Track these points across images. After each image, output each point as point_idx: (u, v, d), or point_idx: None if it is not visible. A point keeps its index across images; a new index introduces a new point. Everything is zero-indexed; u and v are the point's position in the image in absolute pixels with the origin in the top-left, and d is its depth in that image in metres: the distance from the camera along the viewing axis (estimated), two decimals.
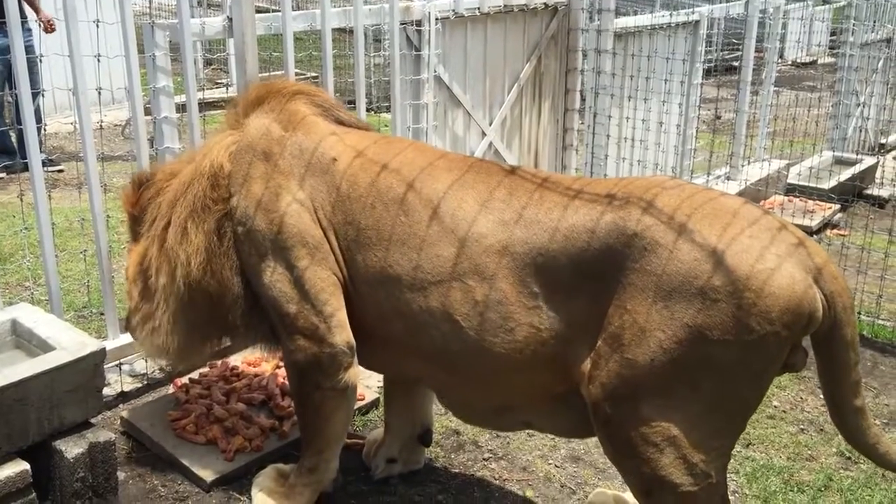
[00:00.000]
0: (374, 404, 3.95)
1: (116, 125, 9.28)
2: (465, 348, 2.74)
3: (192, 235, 3.05)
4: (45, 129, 7.80)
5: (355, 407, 3.80)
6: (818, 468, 3.69)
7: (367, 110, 4.98)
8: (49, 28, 7.18)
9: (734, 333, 2.39)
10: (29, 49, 6.52)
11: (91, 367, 3.17)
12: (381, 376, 3.75)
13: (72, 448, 3.09)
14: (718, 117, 9.98)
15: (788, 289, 2.38)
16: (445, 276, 2.73)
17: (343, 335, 2.95)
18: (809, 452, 3.82)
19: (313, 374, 2.99)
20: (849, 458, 3.74)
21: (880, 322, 5.14)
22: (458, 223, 2.75)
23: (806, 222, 6.83)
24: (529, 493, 3.43)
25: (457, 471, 3.56)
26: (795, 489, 3.53)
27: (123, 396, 3.96)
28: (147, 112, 3.95)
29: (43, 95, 4.21)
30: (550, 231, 2.62)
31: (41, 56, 4.06)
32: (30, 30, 7.12)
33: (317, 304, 2.92)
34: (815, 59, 16.60)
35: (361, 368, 3.32)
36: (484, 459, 3.65)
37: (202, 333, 3.29)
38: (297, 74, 4.92)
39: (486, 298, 2.68)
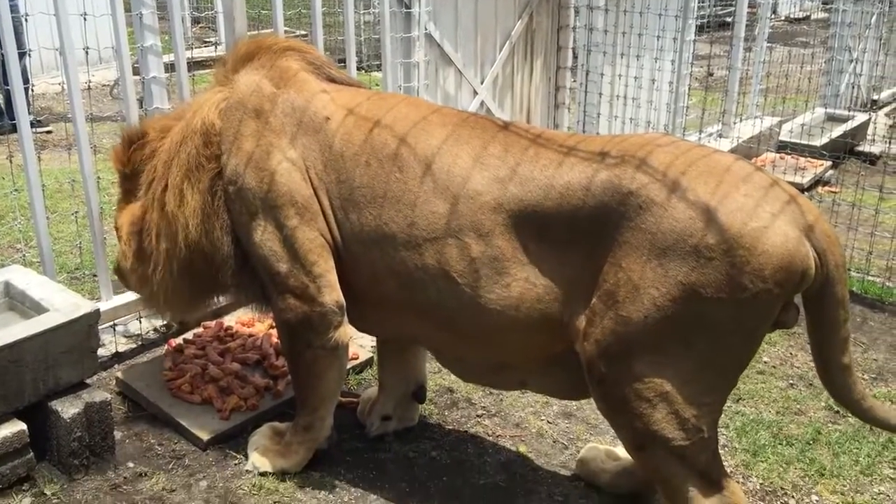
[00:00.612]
0: (368, 363, 3.98)
1: (104, 85, 9.19)
2: (462, 305, 2.76)
3: (189, 197, 3.04)
4: (32, 90, 7.72)
5: (349, 366, 3.84)
6: (807, 422, 3.74)
7: (358, 69, 4.94)
8: None
9: (727, 291, 2.40)
10: (13, 9, 6.42)
11: (85, 329, 3.18)
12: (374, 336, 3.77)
13: (68, 408, 3.11)
14: (711, 74, 9.94)
15: (781, 246, 2.39)
16: (441, 233, 2.74)
17: (332, 295, 2.95)
18: (798, 407, 3.87)
19: (304, 333, 3.01)
20: (837, 412, 3.80)
21: (870, 278, 5.18)
22: (453, 180, 2.74)
23: (797, 179, 6.84)
24: (522, 449, 3.48)
25: (451, 427, 3.60)
26: (784, 442, 3.59)
27: (118, 357, 3.97)
28: (135, 72, 3.91)
29: (29, 56, 4.15)
30: (546, 188, 2.62)
31: (26, 15, 4.00)
32: None
33: (306, 265, 2.92)
34: (808, 14, 16.48)
35: (356, 329, 3.34)
36: (477, 416, 3.69)
37: (200, 291, 3.33)
38: (286, 33, 4.86)
39: (482, 255, 2.69)
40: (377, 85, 5.85)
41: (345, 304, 2.99)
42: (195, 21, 12.60)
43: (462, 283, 2.73)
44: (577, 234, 2.59)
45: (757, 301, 2.42)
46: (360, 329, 3.23)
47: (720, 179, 2.47)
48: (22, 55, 3.63)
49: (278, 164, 2.93)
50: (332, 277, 2.96)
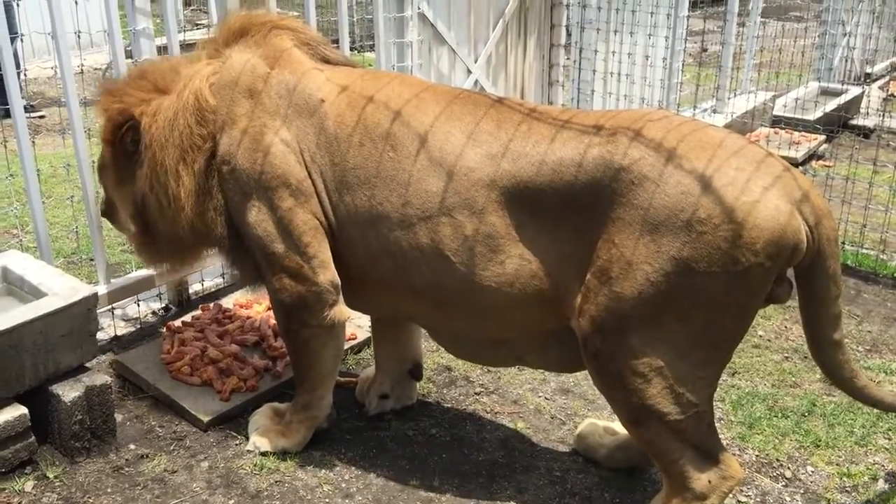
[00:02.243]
0: (366, 343, 4.00)
1: (97, 69, 9.12)
2: (457, 283, 2.77)
3: (185, 178, 3.02)
4: (24, 75, 7.69)
5: (347, 346, 3.86)
6: (802, 394, 3.78)
7: (351, 49, 4.92)
8: None
9: (720, 265, 2.42)
10: None
11: (84, 312, 3.19)
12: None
13: (68, 392, 3.13)
14: (705, 50, 9.91)
15: (773, 220, 2.40)
16: (434, 212, 2.74)
17: (327, 274, 2.97)
18: (793, 379, 3.91)
19: (299, 312, 3.03)
20: (831, 384, 3.83)
21: (864, 251, 5.21)
22: (445, 157, 2.74)
23: (791, 154, 6.85)
24: (521, 425, 3.51)
25: (449, 405, 3.63)
26: (780, 415, 3.62)
27: (117, 340, 3.99)
28: (128, 55, 3.89)
29: (21, 40, 4.14)
30: (538, 164, 2.63)
31: (17, 0, 3.98)
32: None
33: (300, 246, 2.93)
34: None
35: (351, 308, 3.35)
36: (475, 394, 3.72)
37: (200, 252, 3.42)
38: (278, 14, 4.84)
39: (476, 232, 2.70)
40: (370, 65, 5.83)
41: (339, 284, 3.01)
42: (187, 3, 12.52)
43: (457, 262, 2.74)
44: (570, 211, 2.60)
45: (749, 274, 2.44)
46: (356, 308, 3.24)
47: (712, 154, 2.48)
48: (13, 39, 3.62)
49: (272, 146, 2.92)
50: (326, 257, 2.97)
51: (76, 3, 3.72)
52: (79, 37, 3.82)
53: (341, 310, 3.06)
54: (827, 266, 2.57)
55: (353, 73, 3.09)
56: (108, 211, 3.52)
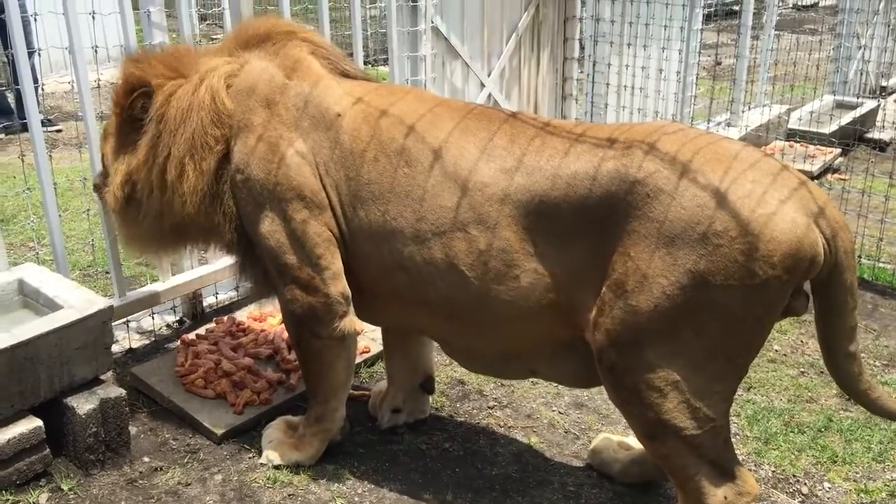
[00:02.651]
0: (379, 356, 4.00)
1: (113, 83, 9.21)
2: (470, 298, 2.77)
3: (191, 173, 3.01)
4: (42, 89, 7.76)
5: (361, 360, 3.86)
6: (818, 409, 3.75)
7: (365, 63, 4.94)
8: None
9: (737, 278, 2.41)
10: (22, 8, 6.44)
11: (99, 325, 3.20)
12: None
13: (83, 404, 3.14)
14: (719, 63, 9.90)
15: (790, 233, 2.39)
16: (449, 227, 2.75)
17: (338, 286, 2.98)
18: (810, 394, 3.87)
19: (310, 323, 3.03)
20: (848, 399, 3.79)
21: (881, 265, 5.17)
22: (460, 172, 2.75)
23: (807, 167, 6.82)
24: (534, 440, 3.49)
25: (462, 419, 3.62)
26: (796, 430, 3.59)
27: (132, 353, 4.00)
28: None
29: (39, 55, 4.17)
30: (552, 178, 2.63)
31: (35, 15, 4.02)
32: None
33: (312, 257, 2.94)
34: (816, 1, 16.39)
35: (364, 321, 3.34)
36: (489, 408, 3.70)
37: (181, 244, 3.42)
38: None
39: (490, 247, 2.70)
40: (384, 79, 5.86)
41: (350, 295, 3.02)
42: (202, 18, 12.61)
43: (471, 276, 2.74)
44: (584, 224, 2.59)
45: (766, 287, 2.42)
46: (368, 320, 3.24)
47: (728, 166, 2.47)
48: (31, 54, 3.65)
49: (288, 157, 2.93)
50: (338, 269, 2.98)
51: (93, 18, 3.75)
52: (96, 52, 3.85)
53: (352, 321, 3.06)
54: (844, 278, 2.55)
55: (369, 87, 3.09)
56: (100, 183, 3.44)
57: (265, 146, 2.96)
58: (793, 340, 4.36)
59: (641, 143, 2.57)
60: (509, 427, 3.58)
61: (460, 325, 2.92)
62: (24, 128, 3.64)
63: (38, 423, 3.05)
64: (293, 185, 2.92)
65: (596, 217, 2.57)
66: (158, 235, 3.27)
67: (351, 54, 4.77)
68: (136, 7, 3.85)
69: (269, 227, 2.97)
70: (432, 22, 5.14)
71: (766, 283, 2.42)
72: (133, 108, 3.13)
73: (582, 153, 2.63)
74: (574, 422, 3.63)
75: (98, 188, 3.51)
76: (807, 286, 2.59)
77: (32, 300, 3.41)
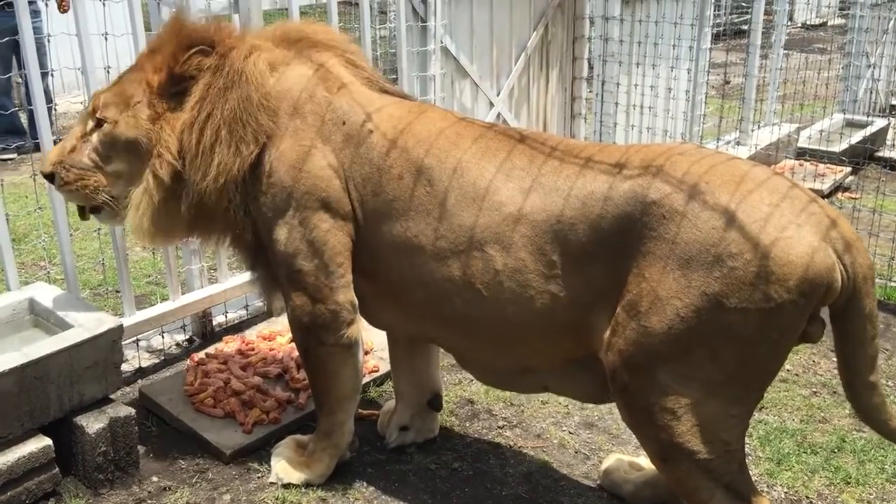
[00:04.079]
0: (388, 376, 3.98)
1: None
2: (486, 315, 2.78)
3: (225, 149, 2.94)
4: (55, 109, 7.82)
5: (370, 378, 3.85)
6: (831, 430, 3.71)
7: None
8: (63, 8, 7.11)
9: (751, 301, 2.38)
10: (36, 30, 6.51)
11: (109, 344, 3.21)
12: None
13: (93, 423, 3.14)
14: (728, 82, 9.91)
15: (806, 257, 2.36)
16: (466, 246, 2.76)
17: (347, 295, 3.01)
18: (822, 415, 3.84)
19: (317, 330, 3.05)
20: (868, 426, 3.76)
21: (892, 284, 5.14)
22: (478, 192, 2.76)
23: (817, 186, 6.80)
24: (544, 460, 3.47)
25: (472, 439, 3.60)
26: (809, 451, 3.56)
27: (141, 372, 4.01)
28: None
29: (52, 75, 4.21)
30: (568, 198, 2.63)
31: (49, 36, 4.06)
32: (38, 11, 7.11)
33: (330, 266, 2.97)
34: (825, 20, 16.40)
35: (376, 341, 3.33)
36: (499, 427, 3.69)
37: (186, 231, 3.22)
38: None
39: (506, 267, 2.71)
40: None
41: (357, 304, 3.05)
42: None
43: (487, 295, 2.75)
44: (599, 245, 2.59)
45: (782, 312, 2.40)
46: (392, 332, 3.31)
47: (744, 189, 2.45)
48: (44, 75, 3.69)
49: (319, 168, 2.95)
50: (350, 279, 3.01)
51: (105, 39, 3.78)
52: (108, 72, 3.88)
53: (359, 328, 3.09)
54: (863, 306, 2.51)
55: (402, 105, 3.09)
56: (62, 162, 3.10)
57: (298, 154, 2.96)
58: (805, 360, 4.33)
59: (657, 164, 2.56)
60: (519, 447, 3.56)
61: (475, 341, 2.93)
62: (37, 147, 3.67)
63: (48, 442, 3.05)
64: (322, 196, 2.94)
65: (611, 238, 2.57)
66: (187, 220, 3.10)
67: None
68: (147, 28, 3.88)
69: (289, 232, 2.98)
70: (441, 42, 5.16)
71: (781, 307, 2.39)
72: (188, 65, 3.01)
73: (598, 174, 2.63)
74: (584, 442, 3.61)
75: (63, 169, 3.11)
76: (825, 314, 2.56)
77: (43, 319, 3.42)
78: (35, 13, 7.07)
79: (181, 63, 3.01)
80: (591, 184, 2.62)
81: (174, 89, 3.04)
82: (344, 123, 2.98)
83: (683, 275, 2.44)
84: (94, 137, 3.10)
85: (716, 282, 2.40)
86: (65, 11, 7.02)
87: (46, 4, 7.22)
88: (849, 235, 2.47)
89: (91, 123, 3.11)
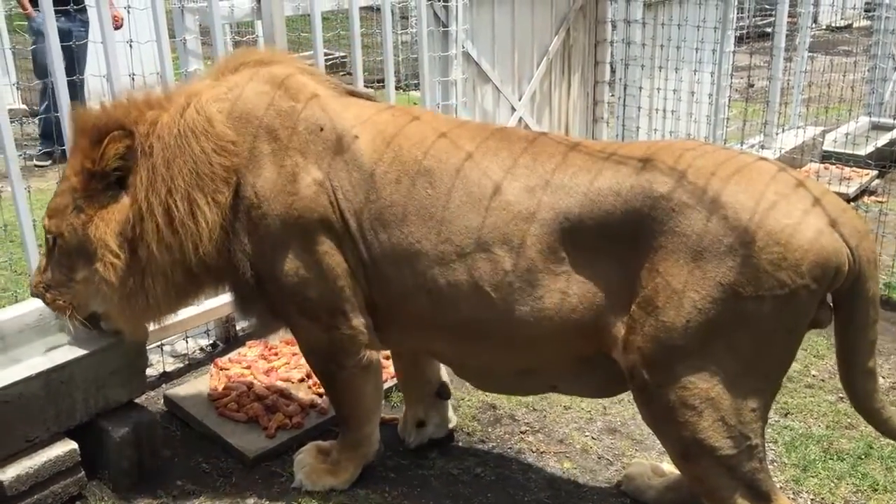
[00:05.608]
0: None
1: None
2: (494, 318, 2.75)
3: (205, 208, 2.80)
4: None
5: (393, 383, 3.85)
6: (858, 436, 3.67)
7: (396, 88, 4.98)
8: (117, 23, 7.11)
9: (766, 288, 2.41)
10: (80, 37, 6.60)
11: (134, 349, 3.23)
12: None
13: (118, 427, 3.17)
14: (751, 85, 9.84)
15: (815, 241, 2.40)
16: (473, 248, 2.72)
17: (360, 317, 2.94)
18: (849, 420, 3.80)
19: (334, 355, 3.00)
20: (857, 412, 3.71)
21: None
22: (483, 192, 2.72)
23: (843, 189, 6.73)
24: (567, 465, 3.45)
25: (494, 444, 3.59)
26: (835, 457, 3.52)
27: (166, 376, 4.04)
28: None
29: (80, 82, 4.27)
30: (576, 196, 2.62)
31: (85, 42, 4.10)
32: (86, 21, 7.20)
33: (335, 289, 2.88)
34: (850, 22, 16.25)
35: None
36: (521, 433, 3.67)
37: (198, 295, 3.16)
38: (325, 54, 4.94)
39: (515, 267, 2.68)
40: (416, 104, 5.89)
41: (371, 324, 2.98)
42: (236, 45, 12.80)
43: (495, 297, 2.72)
44: (610, 241, 2.59)
45: (796, 297, 2.42)
46: (384, 346, 3.19)
47: (750, 179, 2.49)
48: (77, 83, 3.73)
49: (306, 188, 2.81)
50: (360, 300, 2.93)
51: (130, 46, 3.82)
52: (132, 79, 3.92)
53: (375, 347, 3.05)
54: (867, 288, 2.54)
55: (381, 108, 3.02)
56: (47, 283, 3.03)
57: (281, 178, 2.82)
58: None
59: (663, 159, 2.57)
60: (542, 452, 3.54)
61: (481, 346, 2.88)
62: (64, 155, 3.71)
63: (74, 445, 3.08)
64: (314, 218, 2.82)
65: (621, 234, 2.56)
66: (172, 292, 2.96)
67: (382, 80, 4.82)
68: (171, 35, 3.92)
69: (292, 263, 2.86)
70: (463, 47, 5.17)
71: (795, 293, 2.42)
72: (106, 157, 2.81)
73: (604, 170, 2.63)
74: (607, 447, 3.59)
75: (44, 290, 3.06)
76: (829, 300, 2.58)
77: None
78: (83, 23, 7.18)
79: (97, 161, 2.82)
80: (599, 180, 2.61)
81: (101, 185, 2.87)
82: (322, 130, 2.85)
83: (698, 267, 2.44)
84: (56, 252, 3.00)
85: (730, 271, 2.42)
86: (118, 27, 7.10)
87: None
88: (853, 220, 2.50)
89: (50, 240, 3.01)
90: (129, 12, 3.84)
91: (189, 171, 2.78)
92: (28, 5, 7.51)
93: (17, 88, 7.73)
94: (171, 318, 3.28)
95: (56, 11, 3.56)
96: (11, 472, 2.92)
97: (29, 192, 3.66)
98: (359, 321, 2.95)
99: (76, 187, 2.90)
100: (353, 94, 3.09)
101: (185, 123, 2.80)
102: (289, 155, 2.84)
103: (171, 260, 2.87)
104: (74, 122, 2.96)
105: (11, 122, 3.49)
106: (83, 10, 6.99)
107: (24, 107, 8.60)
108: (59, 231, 2.95)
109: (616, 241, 2.58)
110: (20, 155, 3.57)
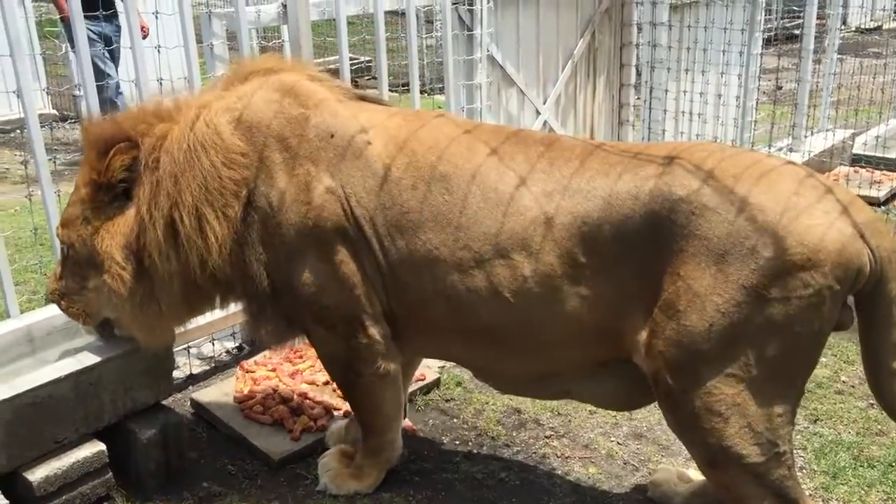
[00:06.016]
0: (435, 384, 3.98)
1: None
2: (513, 324, 2.73)
3: (214, 223, 2.78)
4: None
5: (416, 387, 3.86)
6: (888, 443, 3.62)
7: (421, 92, 4.99)
8: (144, 32, 7.20)
9: (791, 290, 2.38)
10: (115, 40, 6.67)
11: (161, 351, 3.26)
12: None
13: (145, 429, 3.19)
14: (779, 88, 9.75)
15: (838, 242, 2.38)
16: (491, 253, 2.69)
17: (378, 325, 2.92)
18: (879, 427, 3.74)
19: (352, 363, 2.99)
20: (889, 416, 3.65)
21: None
22: (501, 197, 2.70)
23: (873, 193, 6.64)
24: (592, 471, 3.43)
25: (518, 449, 3.58)
26: (865, 465, 3.47)
27: (192, 378, 4.06)
28: None
29: (107, 86, 4.33)
30: (594, 199, 2.60)
31: (117, 45, 4.15)
32: (121, 26, 7.31)
33: (353, 298, 2.85)
34: (879, 24, 16.07)
35: None
36: (546, 437, 3.66)
37: (210, 306, 3.14)
38: (350, 59, 4.96)
39: (534, 272, 2.65)
40: (440, 107, 5.89)
41: (389, 333, 2.96)
42: (263, 50, 12.89)
43: (515, 303, 2.70)
44: (628, 245, 2.56)
45: (819, 298, 2.40)
46: (402, 352, 3.11)
47: (771, 180, 2.47)
48: (108, 85, 3.78)
49: (319, 197, 2.78)
50: (376, 309, 2.90)
51: (158, 51, 3.86)
52: (160, 84, 3.96)
53: (394, 355, 3.01)
54: (889, 289, 2.50)
55: (392, 112, 2.99)
56: (62, 290, 3.07)
57: (294, 187, 2.79)
58: (860, 372, 4.22)
59: (681, 161, 2.55)
60: (567, 457, 3.52)
61: (499, 351, 2.87)
62: None
63: (102, 447, 3.11)
64: (330, 227, 2.79)
65: (640, 237, 2.54)
66: (181, 303, 2.97)
67: (407, 83, 4.83)
68: (199, 40, 3.95)
69: (308, 273, 2.84)
70: (488, 50, 5.17)
71: (819, 294, 2.39)
72: (111, 169, 2.81)
73: (622, 173, 2.60)
74: (633, 453, 3.56)
75: (60, 297, 3.10)
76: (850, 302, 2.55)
77: None
78: (118, 28, 7.29)
79: (103, 172, 2.82)
80: (617, 183, 2.58)
81: (107, 197, 2.88)
82: (333, 136, 2.82)
83: (720, 269, 2.42)
84: (69, 261, 3.04)
85: (753, 273, 2.39)
86: (145, 37, 7.18)
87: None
88: (874, 222, 2.48)
89: (64, 249, 3.05)
90: (156, 17, 3.87)
91: (198, 186, 2.77)
92: (66, 7, 7.63)
93: (47, 93, 7.85)
94: (187, 326, 3.31)
95: (101, 17, 3.59)
96: (40, 473, 2.95)
97: (59, 196, 3.69)
98: (375, 330, 2.92)
99: (84, 199, 2.92)
100: (363, 98, 3.07)
101: (194, 137, 2.79)
102: (300, 163, 2.81)
103: (176, 272, 2.87)
104: (84, 133, 2.97)
105: (41, 127, 3.53)
106: (115, 16, 7.11)
107: (53, 112, 8.73)
108: (71, 241, 2.98)
109: (636, 244, 2.55)
110: (50, 159, 3.61)
